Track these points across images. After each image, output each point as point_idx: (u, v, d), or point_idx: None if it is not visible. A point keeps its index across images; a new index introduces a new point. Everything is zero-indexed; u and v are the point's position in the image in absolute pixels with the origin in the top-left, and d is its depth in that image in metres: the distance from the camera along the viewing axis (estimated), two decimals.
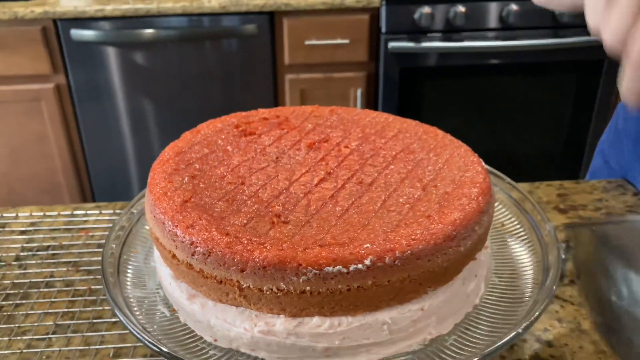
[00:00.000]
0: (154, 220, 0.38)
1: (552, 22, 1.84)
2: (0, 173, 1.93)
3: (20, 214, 0.70)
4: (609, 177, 0.87)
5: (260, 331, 0.35)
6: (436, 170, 0.42)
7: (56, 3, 1.75)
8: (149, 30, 1.77)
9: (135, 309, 0.39)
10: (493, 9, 1.82)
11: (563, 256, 0.42)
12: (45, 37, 1.75)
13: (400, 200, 0.38)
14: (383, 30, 1.81)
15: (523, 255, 0.45)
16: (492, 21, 1.84)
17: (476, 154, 0.45)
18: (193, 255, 0.35)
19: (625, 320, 0.37)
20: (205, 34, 1.81)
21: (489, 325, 0.39)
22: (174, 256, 0.37)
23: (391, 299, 0.35)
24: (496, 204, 0.51)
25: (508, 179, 0.52)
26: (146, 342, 0.35)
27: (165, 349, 0.34)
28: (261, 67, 1.86)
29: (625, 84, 0.33)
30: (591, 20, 0.36)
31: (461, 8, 1.78)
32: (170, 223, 0.37)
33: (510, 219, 0.49)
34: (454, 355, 0.36)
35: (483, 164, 0.44)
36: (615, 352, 0.41)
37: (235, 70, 1.87)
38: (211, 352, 0.37)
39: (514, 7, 1.80)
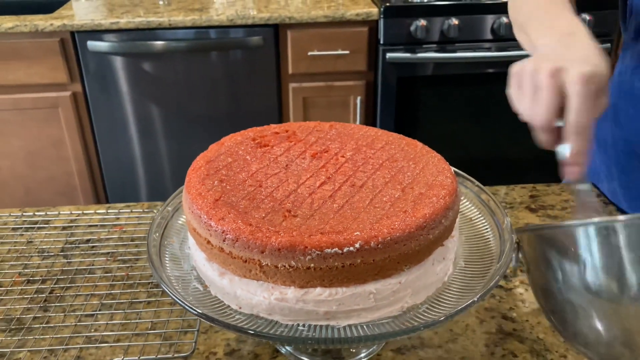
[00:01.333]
0: (192, 214, 0.49)
1: None
2: (18, 176, 2.04)
3: (61, 212, 0.81)
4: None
5: (276, 299, 0.45)
6: (414, 175, 0.52)
7: (74, 16, 1.87)
8: (159, 42, 1.88)
9: (175, 284, 0.50)
10: (485, 21, 1.92)
11: (515, 246, 0.52)
12: (63, 48, 1.86)
13: (384, 199, 0.49)
14: (381, 41, 1.92)
15: (486, 242, 0.56)
16: (485, 33, 1.94)
17: (447, 162, 0.56)
18: (224, 241, 0.46)
19: (563, 304, 0.47)
20: (213, 45, 1.92)
21: (455, 297, 0.50)
22: (208, 242, 0.48)
23: (376, 274, 0.45)
24: (466, 203, 0.62)
25: (477, 183, 0.62)
26: (186, 306, 0.45)
27: (201, 311, 0.45)
28: (266, 77, 1.97)
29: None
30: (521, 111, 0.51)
31: (455, 21, 1.89)
32: (205, 216, 0.47)
33: (477, 215, 0.59)
34: (425, 318, 0.47)
35: (452, 170, 0.54)
36: (558, 331, 0.52)
37: (241, 80, 1.98)
38: (237, 317, 0.48)
39: (505, 19, 1.90)
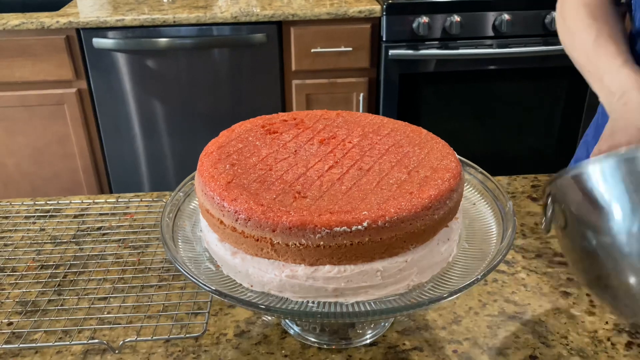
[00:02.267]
0: (205, 196, 0.51)
1: (543, 31, 1.96)
2: (24, 172, 2.06)
3: (72, 201, 0.83)
4: None
5: (287, 276, 0.47)
6: (419, 160, 0.54)
7: (79, 13, 1.89)
8: (164, 39, 1.90)
9: (188, 264, 0.52)
10: (487, 18, 1.94)
11: (547, 200, 0.51)
12: (69, 45, 1.88)
13: (391, 181, 0.51)
14: (384, 38, 1.94)
15: (489, 227, 0.58)
16: (486, 30, 1.96)
17: (451, 148, 0.57)
18: (237, 220, 0.48)
19: (609, 262, 0.44)
20: (216, 42, 1.93)
21: (459, 276, 0.51)
22: (221, 222, 0.49)
23: (383, 252, 0.47)
24: (470, 189, 0.64)
25: (481, 170, 0.64)
26: (200, 283, 0.47)
27: (214, 288, 0.47)
28: (269, 73, 1.99)
29: None
30: None
31: (457, 17, 1.90)
32: (218, 198, 0.49)
33: (480, 200, 0.61)
34: (430, 295, 0.49)
35: (456, 155, 0.56)
36: (603, 299, 0.49)
37: (244, 76, 2.00)
38: (249, 294, 0.49)
39: (506, 16, 1.92)
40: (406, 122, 0.62)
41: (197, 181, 0.54)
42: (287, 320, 0.60)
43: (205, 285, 0.47)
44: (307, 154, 0.56)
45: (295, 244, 0.46)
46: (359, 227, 0.45)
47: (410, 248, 0.48)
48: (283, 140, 0.58)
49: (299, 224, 0.46)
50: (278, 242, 0.47)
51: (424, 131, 0.60)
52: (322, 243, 0.46)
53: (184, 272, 0.49)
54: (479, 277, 0.47)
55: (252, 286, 0.50)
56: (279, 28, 1.93)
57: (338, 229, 0.45)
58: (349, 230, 0.45)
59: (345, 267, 0.47)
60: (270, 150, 0.56)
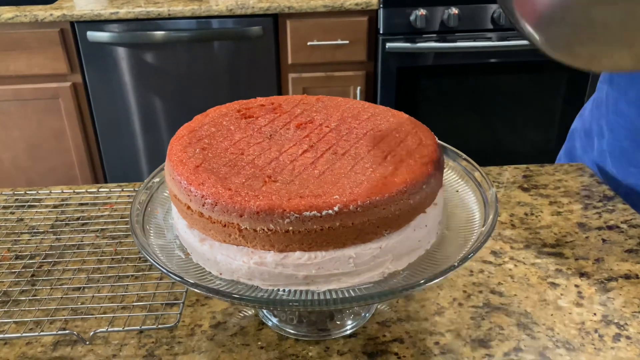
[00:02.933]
0: (173, 181, 0.49)
1: None
2: (20, 167, 2.05)
3: (53, 191, 0.81)
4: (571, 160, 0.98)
5: (255, 263, 0.45)
6: (397, 144, 0.52)
7: (73, 6, 1.87)
8: (160, 32, 1.88)
9: (158, 253, 0.50)
10: (486, 10, 1.92)
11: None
12: (63, 39, 1.87)
13: (366, 165, 0.49)
14: (381, 31, 1.91)
15: (472, 214, 0.55)
16: (485, 22, 1.94)
17: (432, 133, 0.55)
18: (203, 205, 0.46)
19: None
20: (212, 35, 1.92)
21: (437, 264, 0.49)
22: (188, 207, 0.48)
23: (355, 238, 0.45)
24: (454, 176, 0.62)
25: (465, 156, 0.62)
26: (169, 273, 0.45)
27: (184, 277, 0.45)
28: (266, 67, 1.97)
29: None
30: None
31: (455, 10, 1.88)
32: (185, 182, 0.47)
33: (464, 187, 0.59)
34: (405, 283, 0.47)
35: (436, 140, 0.54)
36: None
37: (240, 70, 1.98)
38: (217, 282, 0.48)
39: None
40: (388, 107, 0.60)
41: (166, 166, 0.52)
42: (264, 311, 0.58)
43: (171, 273, 0.45)
44: (282, 138, 0.54)
45: (264, 230, 0.44)
46: (330, 211, 0.43)
47: (384, 234, 0.46)
48: (258, 124, 0.56)
49: (267, 209, 0.44)
50: (246, 228, 0.45)
51: (405, 116, 0.58)
52: (291, 228, 0.44)
53: (152, 261, 0.47)
54: (456, 264, 0.45)
55: (221, 274, 0.48)
56: (275, 21, 1.91)
57: (308, 213, 0.43)
58: (319, 214, 0.43)
59: (316, 253, 0.45)
60: (244, 135, 0.54)
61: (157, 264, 0.46)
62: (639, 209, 0.78)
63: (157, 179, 0.60)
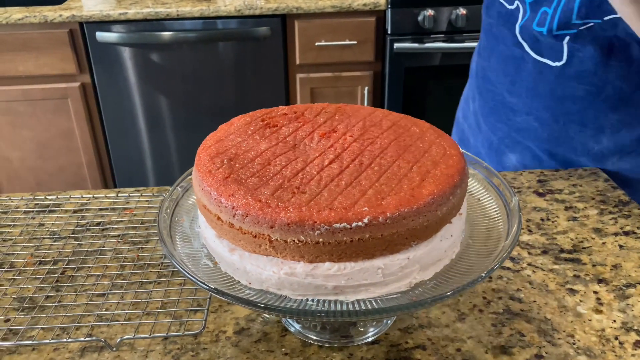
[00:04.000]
0: (202, 192, 0.50)
1: None
2: (29, 167, 2.07)
3: (72, 196, 0.82)
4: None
5: (285, 273, 0.46)
6: (421, 154, 0.53)
7: (82, 7, 1.88)
8: (168, 33, 1.89)
9: (186, 261, 0.51)
10: None
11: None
12: (72, 39, 1.87)
13: (392, 177, 0.49)
14: (388, 31, 1.92)
15: (494, 223, 0.56)
16: None
17: (455, 142, 0.56)
18: (234, 216, 0.46)
19: None
20: (220, 36, 1.93)
21: (462, 273, 0.50)
22: (218, 218, 0.48)
23: (384, 249, 0.46)
24: (474, 184, 0.62)
25: (486, 164, 0.63)
26: (197, 281, 0.46)
27: (212, 286, 0.46)
28: (273, 67, 1.98)
29: None
30: None
31: (462, 10, 1.88)
32: (215, 193, 0.48)
33: (485, 195, 0.60)
34: (432, 293, 0.47)
35: (460, 149, 0.55)
36: None
37: (248, 70, 1.98)
38: (247, 292, 0.48)
39: None
40: (409, 116, 0.61)
41: (194, 176, 0.53)
42: (286, 318, 0.59)
43: (202, 282, 0.46)
44: (306, 148, 0.55)
45: (294, 241, 0.45)
46: (359, 223, 0.44)
47: (412, 245, 0.47)
48: (282, 134, 0.57)
49: (298, 220, 0.44)
50: (276, 239, 0.45)
51: (427, 124, 0.59)
52: (321, 240, 0.45)
53: (181, 270, 0.48)
54: (483, 275, 0.46)
55: (250, 283, 0.49)
56: (283, 21, 1.91)
57: (338, 225, 0.44)
58: (349, 226, 0.44)
59: (345, 264, 0.46)
60: (269, 145, 0.55)
61: (188, 274, 0.47)
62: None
63: (180, 187, 0.61)
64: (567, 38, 0.80)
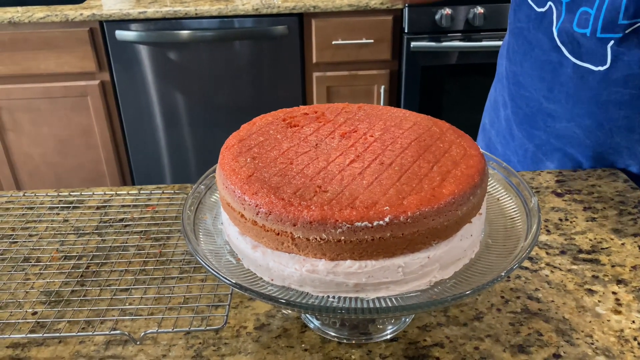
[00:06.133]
0: (226, 190, 0.51)
1: None
2: (49, 163, 2.10)
3: (95, 193, 0.84)
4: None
5: (307, 270, 0.47)
6: (442, 154, 0.53)
7: (102, 6, 1.90)
8: (186, 32, 1.90)
9: (209, 257, 0.52)
10: None
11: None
12: (92, 38, 1.90)
13: (412, 176, 0.50)
14: (406, 30, 1.92)
15: (513, 223, 0.57)
16: None
17: (475, 142, 0.56)
18: (257, 214, 0.47)
19: None
20: (238, 34, 1.94)
21: (482, 272, 0.50)
22: (242, 216, 0.49)
23: (404, 248, 0.47)
24: (493, 184, 0.63)
25: (505, 164, 0.63)
26: (220, 276, 0.47)
27: (235, 281, 0.47)
28: (290, 66, 1.99)
29: None
30: None
31: (480, 9, 1.88)
32: (239, 191, 0.49)
33: (504, 195, 0.60)
34: (451, 291, 0.48)
35: (480, 149, 0.55)
36: None
37: (265, 69, 2.00)
38: (269, 288, 0.49)
39: None
40: (429, 116, 0.61)
41: (218, 174, 0.54)
42: (306, 314, 0.60)
43: (225, 278, 0.47)
44: (328, 147, 0.55)
45: (316, 239, 0.46)
46: (381, 222, 0.45)
47: (432, 244, 0.48)
48: (304, 133, 0.58)
49: (320, 219, 0.45)
50: (299, 237, 0.46)
51: (447, 125, 0.59)
52: (343, 238, 0.45)
53: (205, 265, 0.49)
54: (503, 274, 0.46)
55: (272, 280, 0.50)
56: (300, 20, 1.92)
57: (359, 224, 0.45)
58: (370, 225, 0.45)
59: (366, 262, 0.46)
60: (291, 144, 0.56)
61: (212, 269, 0.48)
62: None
63: (203, 185, 0.62)
64: (612, 42, 0.77)
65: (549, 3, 0.83)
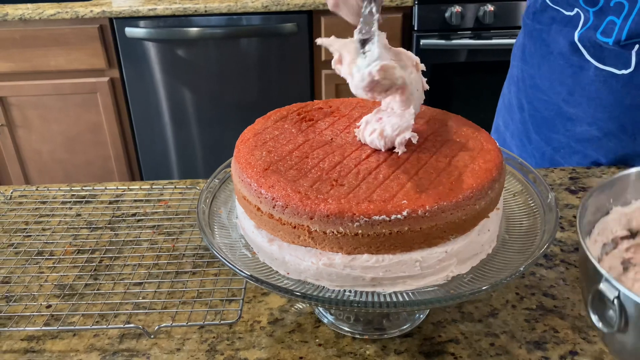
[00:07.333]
0: (242, 183, 0.51)
1: None
2: (58, 159, 2.11)
3: (107, 188, 0.84)
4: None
5: (324, 264, 0.47)
6: (459, 148, 0.53)
7: (112, 3, 1.90)
8: (195, 29, 1.90)
9: (225, 250, 0.52)
10: (521, 7, 1.90)
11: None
12: (102, 35, 1.90)
13: (430, 170, 0.50)
14: (415, 27, 1.91)
15: (530, 218, 0.56)
16: (520, 19, 1.92)
17: (491, 136, 0.56)
18: (274, 207, 0.47)
19: None
20: (247, 31, 1.94)
21: (499, 268, 0.50)
22: (258, 209, 0.49)
23: (422, 242, 0.46)
24: (510, 179, 0.62)
25: (521, 160, 0.62)
26: (237, 269, 0.47)
27: (251, 274, 0.46)
28: (299, 63, 1.98)
29: None
30: None
31: (490, 7, 1.87)
32: (255, 184, 0.49)
33: (522, 190, 0.60)
34: (469, 286, 0.48)
35: (497, 144, 0.55)
36: None
37: (273, 66, 1.99)
38: (285, 281, 0.49)
39: None
40: (444, 111, 0.61)
41: (233, 168, 0.54)
42: (320, 309, 0.59)
43: (242, 271, 0.47)
44: (343, 142, 0.55)
45: (333, 232, 0.46)
46: (398, 216, 0.45)
47: (450, 238, 0.47)
48: (319, 127, 0.58)
49: (337, 212, 0.45)
50: (315, 230, 0.46)
51: (463, 119, 0.59)
52: (360, 232, 0.45)
53: (222, 258, 0.49)
54: (522, 269, 0.46)
55: (288, 274, 0.50)
56: (309, 17, 1.92)
57: (377, 217, 0.45)
58: (387, 219, 0.45)
59: (383, 256, 0.46)
60: (306, 138, 0.55)
61: (229, 262, 0.48)
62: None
63: (217, 179, 0.62)
64: (637, 47, 0.76)
65: (576, 9, 0.81)
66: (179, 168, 2.18)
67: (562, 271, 0.67)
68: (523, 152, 0.99)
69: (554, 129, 0.91)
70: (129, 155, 2.14)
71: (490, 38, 1.92)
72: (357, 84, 0.49)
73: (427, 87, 0.54)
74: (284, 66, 1.99)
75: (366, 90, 0.49)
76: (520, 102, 0.97)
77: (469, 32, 1.92)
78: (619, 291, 0.37)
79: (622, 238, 0.51)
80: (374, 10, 0.53)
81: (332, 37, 0.52)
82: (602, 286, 0.38)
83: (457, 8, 1.86)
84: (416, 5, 1.87)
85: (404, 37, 1.94)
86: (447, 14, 1.88)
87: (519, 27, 1.93)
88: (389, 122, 0.51)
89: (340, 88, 2.01)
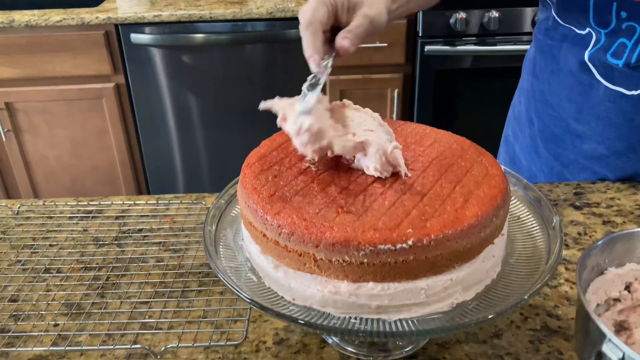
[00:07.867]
0: (248, 209, 0.51)
1: None
2: (64, 165, 2.12)
3: (114, 202, 0.84)
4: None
5: (329, 292, 0.47)
6: (463, 173, 0.53)
7: (118, 9, 1.91)
8: (200, 35, 1.91)
9: (230, 275, 0.52)
10: (525, 14, 1.90)
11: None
12: (108, 41, 1.91)
13: (435, 197, 0.50)
14: (420, 34, 1.91)
15: (534, 242, 0.56)
16: (525, 26, 1.91)
17: (496, 160, 0.56)
18: (280, 234, 0.48)
19: None
20: (251, 38, 1.94)
21: (504, 294, 0.50)
22: (264, 235, 0.49)
23: (427, 270, 0.47)
24: (514, 201, 0.62)
25: (525, 181, 0.63)
26: (242, 295, 0.47)
27: (256, 300, 0.47)
28: (303, 69, 1.98)
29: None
30: None
31: (495, 13, 1.86)
32: (261, 211, 0.49)
33: (525, 213, 0.60)
34: (474, 314, 0.48)
35: (502, 168, 0.55)
36: None
37: (278, 72, 2.00)
38: (291, 307, 0.49)
39: None
40: (449, 132, 0.61)
41: (239, 192, 0.54)
42: (330, 336, 0.60)
43: (247, 297, 0.47)
44: (348, 164, 0.55)
45: (339, 260, 0.46)
46: (404, 245, 0.45)
47: (455, 266, 0.48)
48: None
49: (342, 241, 0.45)
50: (321, 258, 0.46)
51: (468, 141, 0.59)
52: (365, 260, 0.45)
53: (228, 284, 0.49)
54: (526, 297, 0.46)
55: (294, 299, 0.50)
56: None
57: (382, 246, 0.45)
58: (393, 248, 0.45)
59: (389, 284, 0.46)
60: (311, 162, 0.56)
61: (235, 289, 0.48)
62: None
63: (222, 200, 0.62)
64: None
65: (588, 28, 0.81)
66: (184, 174, 2.19)
67: (566, 290, 0.67)
68: (532, 165, 0.99)
69: (563, 145, 0.91)
70: (135, 161, 2.14)
71: (494, 44, 1.91)
72: (290, 126, 0.52)
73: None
74: (289, 72, 2.00)
75: (295, 136, 0.52)
76: (529, 116, 0.97)
77: (474, 38, 1.91)
78: (624, 353, 0.37)
79: (615, 300, 0.52)
80: (329, 64, 0.61)
81: (276, 98, 0.57)
82: (605, 347, 0.38)
83: (461, 14, 1.86)
84: (421, 12, 1.87)
85: (409, 44, 1.94)
86: (451, 20, 1.88)
87: (524, 34, 1.94)
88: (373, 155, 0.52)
89: (345, 94, 2.02)
